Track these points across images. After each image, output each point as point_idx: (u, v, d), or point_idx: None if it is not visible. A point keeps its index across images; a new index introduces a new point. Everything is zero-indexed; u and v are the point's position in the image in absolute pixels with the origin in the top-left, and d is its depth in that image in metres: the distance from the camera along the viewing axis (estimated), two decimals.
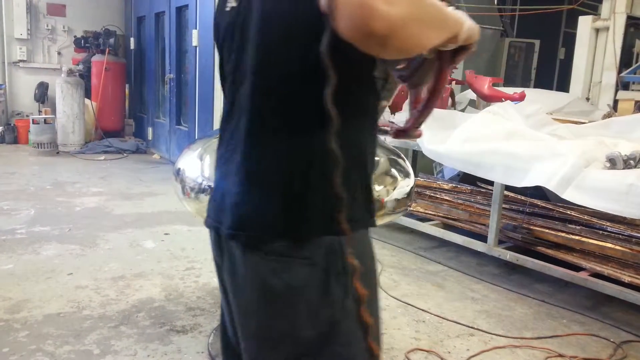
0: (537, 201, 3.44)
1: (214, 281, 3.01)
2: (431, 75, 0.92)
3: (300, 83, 0.86)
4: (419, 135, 1.00)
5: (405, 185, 1.96)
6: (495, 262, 3.57)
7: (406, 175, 1.99)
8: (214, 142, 2.00)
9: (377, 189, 1.84)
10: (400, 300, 2.90)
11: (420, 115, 0.96)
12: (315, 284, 0.86)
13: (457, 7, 0.87)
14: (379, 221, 1.91)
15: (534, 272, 3.23)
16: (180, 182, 1.94)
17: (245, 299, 0.92)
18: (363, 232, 0.93)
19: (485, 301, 2.98)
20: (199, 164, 1.91)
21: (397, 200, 1.91)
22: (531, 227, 3.33)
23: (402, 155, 2.10)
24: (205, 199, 1.83)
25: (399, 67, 0.90)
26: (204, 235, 3.85)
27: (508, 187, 3.34)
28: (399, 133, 1.00)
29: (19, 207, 4.32)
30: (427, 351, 2.37)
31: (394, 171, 1.94)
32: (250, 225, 0.88)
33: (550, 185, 2.71)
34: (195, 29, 5.96)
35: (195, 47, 6.00)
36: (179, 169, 1.96)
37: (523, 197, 3.53)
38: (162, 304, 2.68)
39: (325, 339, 0.87)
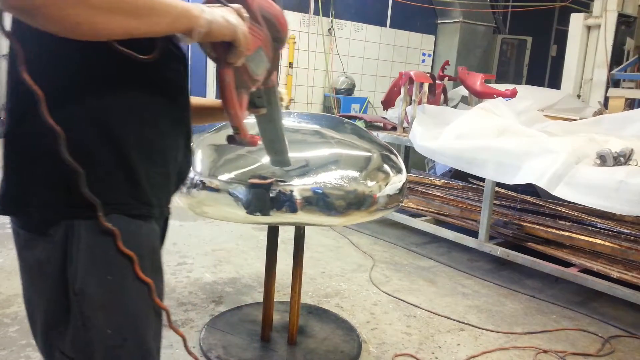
0: (527, 197, 3.47)
1: (206, 276, 3.02)
2: (238, 77, 0.91)
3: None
4: (252, 143, 0.97)
5: (397, 181, 1.96)
6: (486, 258, 3.60)
7: (398, 171, 1.99)
8: (207, 137, 2.00)
9: (370, 184, 1.85)
10: (392, 296, 2.91)
11: (230, 120, 0.94)
12: (55, 262, 0.86)
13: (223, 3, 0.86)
14: (371, 217, 1.91)
15: (525, 267, 3.26)
16: None
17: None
18: (128, 220, 0.87)
19: (476, 296, 3.00)
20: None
21: (389, 196, 1.91)
22: (522, 223, 3.36)
23: (395, 151, 2.10)
24: (197, 193, 1.82)
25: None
26: (196, 231, 3.85)
27: (499, 184, 3.36)
28: (230, 139, 0.98)
29: None
30: (414, 357, 2.39)
31: (386, 167, 1.94)
32: (6, 200, 0.88)
33: (542, 183, 2.73)
34: None
35: None
36: None
37: (514, 194, 3.56)
38: None
39: (65, 318, 0.87)
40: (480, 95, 4.18)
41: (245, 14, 0.86)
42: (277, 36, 0.95)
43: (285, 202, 1.73)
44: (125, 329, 0.89)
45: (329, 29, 6.06)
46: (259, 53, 0.93)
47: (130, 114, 0.88)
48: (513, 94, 4.03)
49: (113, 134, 0.86)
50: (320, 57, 6.09)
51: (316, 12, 5.94)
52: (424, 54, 7.04)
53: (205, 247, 3.49)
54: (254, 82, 0.95)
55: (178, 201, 1.94)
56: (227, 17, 0.81)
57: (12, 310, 2.44)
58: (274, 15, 0.93)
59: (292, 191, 1.73)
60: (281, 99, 1.28)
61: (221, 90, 0.90)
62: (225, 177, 1.77)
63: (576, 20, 5.21)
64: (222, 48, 0.84)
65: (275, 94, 1.12)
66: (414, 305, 2.81)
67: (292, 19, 5.82)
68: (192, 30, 0.78)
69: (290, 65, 5.87)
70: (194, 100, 1.20)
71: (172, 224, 3.97)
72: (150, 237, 0.93)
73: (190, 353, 1.06)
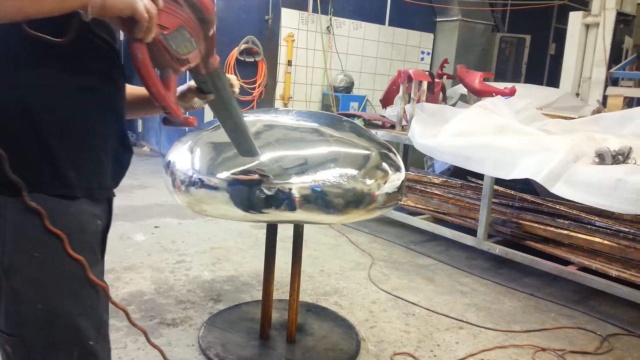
0: (526, 196, 3.48)
1: (205, 274, 3.01)
2: (160, 56, 0.93)
3: None
4: (187, 123, 0.98)
5: (396, 179, 1.95)
6: (485, 256, 3.60)
7: (397, 169, 1.99)
8: (205, 135, 2.00)
9: (368, 182, 1.84)
10: (391, 294, 2.91)
11: (155, 100, 0.95)
12: None
13: None
14: (370, 215, 1.91)
15: (523, 266, 3.27)
16: (170, 175, 1.93)
17: None
18: (54, 200, 0.92)
19: (474, 295, 3.00)
20: (189, 156, 1.89)
21: (388, 194, 1.91)
22: (520, 222, 3.36)
23: (393, 149, 2.10)
24: (195, 191, 1.82)
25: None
26: (195, 229, 3.84)
27: (498, 182, 3.36)
28: (164, 121, 1.01)
29: None
30: (413, 355, 2.39)
31: (384, 165, 1.93)
32: None
33: (539, 179, 2.73)
34: None
35: None
36: (169, 161, 1.94)
37: (513, 192, 3.56)
38: (153, 297, 2.67)
39: None
40: (479, 94, 4.18)
41: None
42: (201, 17, 0.96)
43: (284, 200, 1.73)
44: (55, 306, 0.92)
45: (328, 27, 6.05)
46: (181, 32, 0.94)
47: (51, 99, 0.91)
48: (512, 93, 4.03)
49: (34, 118, 0.89)
50: (318, 55, 6.08)
51: (315, 10, 5.93)
52: (422, 52, 7.03)
53: (203, 245, 3.49)
54: (181, 62, 0.96)
55: (177, 199, 1.94)
56: None
57: None
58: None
59: (290, 189, 1.72)
60: (231, 84, 1.28)
61: (136, 68, 0.90)
62: (223, 175, 1.77)
63: (575, 19, 5.21)
64: (129, 24, 0.85)
65: (220, 78, 1.13)
66: (412, 304, 2.81)
67: (291, 17, 5.82)
68: (86, 6, 0.79)
69: (289, 63, 5.86)
70: (135, 90, 1.22)
71: (170, 222, 3.98)
72: (79, 217, 0.96)
73: (152, 345, 1.14)
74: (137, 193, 4.85)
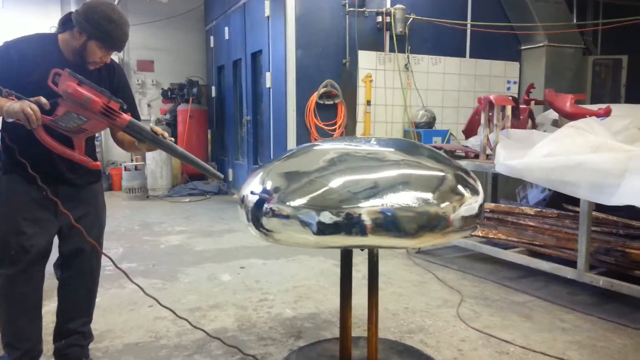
0: (631, 221, 3.14)
1: (287, 312, 3.00)
2: (59, 130, 1.85)
3: None
4: (90, 165, 1.99)
5: (473, 202, 1.84)
6: (589, 290, 3.26)
7: (474, 192, 1.87)
8: (276, 165, 2.02)
9: (443, 205, 1.75)
10: (482, 332, 2.71)
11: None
12: None
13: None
14: (446, 239, 1.80)
15: (632, 298, 2.91)
16: (244, 207, 1.96)
17: None
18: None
19: (577, 331, 2.71)
20: (260, 188, 1.92)
21: (464, 217, 1.80)
22: (626, 250, 3.02)
23: (469, 171, 1.99)
24: (267, 222, 1.82)
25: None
26: (278, 268, 3.90)
27: (598, 208, 3.07)
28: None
29: (110, 246, 4.59)
30: None
31: (460, 187, 1.83)
32: None
33: None
34: (269, 71, 6.20)
35: (269, 88, 6.22)
36: (243, 195, 1.98)
37: (615, 218, 3.24)
38: (235, 333, 2.69)
39: None
40: (571, 117, 3.91)
41: (34, 102, 1.77)
42: (79, 102, 1.78)
43: (355, 225, 1.68)
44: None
45: (406, 65, 6.05)
46: (68, 115, 1.81)
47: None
48: (607, 113, 3.74)
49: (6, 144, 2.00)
50: (397, 92, 6.07)
51: (392, 50, 5.97)
52: (508, 82, 6.79)
53: (286, 284, 3.49)
54: (78, 131, 1.87)
55: (251, 231, 1.96)
56: (14, 106, 1.75)
57: (104, 345, 2.56)
58: (70, 94, 1.77)
59: (360, 214, 1.68)
60: (155, 131, 1.97)
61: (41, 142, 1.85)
62: (294, 203, 1.76)
63: None
64: (25, 122, 1.77)
65: (134, 129, 1.92)
66: (506, 342, 2.59)
67: (368, 58, 5.90)
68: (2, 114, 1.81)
69: (368, 102, 5.90)
70: (126, 137, 2.16)
71: (255, 262, 4.06)
72: (6, 184, 2.02)
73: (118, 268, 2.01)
74: (226, 237, 5.01)
